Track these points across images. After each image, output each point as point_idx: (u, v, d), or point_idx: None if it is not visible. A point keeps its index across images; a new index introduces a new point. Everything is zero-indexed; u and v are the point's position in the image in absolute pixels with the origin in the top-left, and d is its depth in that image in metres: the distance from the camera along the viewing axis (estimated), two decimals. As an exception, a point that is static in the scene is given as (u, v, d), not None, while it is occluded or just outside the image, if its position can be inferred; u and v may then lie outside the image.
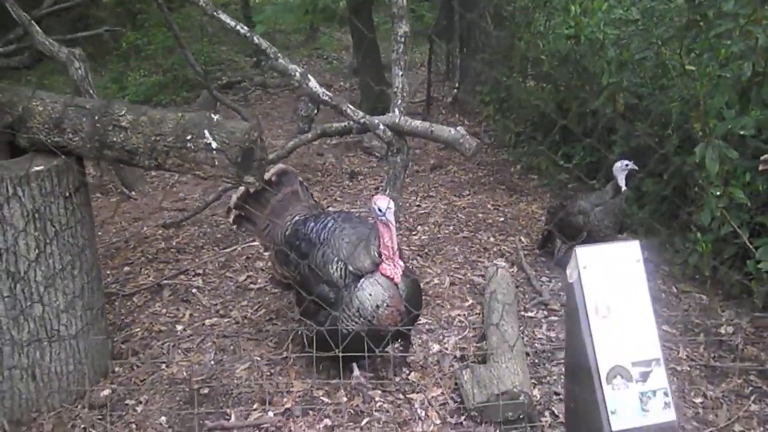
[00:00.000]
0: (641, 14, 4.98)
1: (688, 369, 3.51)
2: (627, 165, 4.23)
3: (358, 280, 3.13)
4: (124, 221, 5.91)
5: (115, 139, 2.99)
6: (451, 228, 5.53)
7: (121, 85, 10.62)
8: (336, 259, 3.21)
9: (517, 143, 7.09)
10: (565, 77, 6.03)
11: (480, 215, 5.79)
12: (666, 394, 1.52)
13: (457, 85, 9.68)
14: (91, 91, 5.59)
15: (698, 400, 3.26)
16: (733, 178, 3.88)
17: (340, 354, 2.77)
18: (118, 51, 11.61)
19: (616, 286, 1.53)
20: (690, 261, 4.23)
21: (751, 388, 3.34)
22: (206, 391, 3.44)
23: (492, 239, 5.28)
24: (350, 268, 3.17)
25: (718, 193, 3.84)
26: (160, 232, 5.59)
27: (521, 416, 3.04)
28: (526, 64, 6.87)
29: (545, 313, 4.14)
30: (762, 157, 3.48)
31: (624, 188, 4.28)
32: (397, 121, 4.37)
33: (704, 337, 3.78)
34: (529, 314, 4.11)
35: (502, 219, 5.71)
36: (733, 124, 3.79)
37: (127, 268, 4.90)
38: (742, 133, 3.80)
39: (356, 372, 3.40)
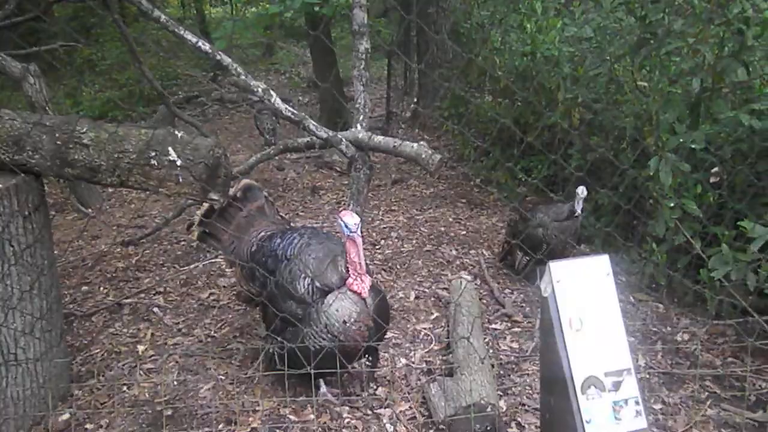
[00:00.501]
0: (594, 32, 5.14)
1: (647, 376, 3.60)
2: (582, 192, 4.37)
3: (325, 296, 3.13)
4: (81, 239, 5.77)
5: (77, 156, 2.93)
6: (414, 242, 5.58)
7: (75, 101, 10.41)
8: (303, 275, 3.20)
9: (476, 157, 7.20)
10: (522, 93, 6.17)
11: (442, 229, 5.85)
12: (637, 402, 1.59)
13: (415, 99, 9.79)
14: (47, 108, 5.46)
15: (657, 406, 3.35)
16: (685, 190, 4.02)
17: (312, 371, 2.76)
18: (71, 66, 11.38)
19: (587, 299, 1.60)
20: (646, 271, 4.36)
21: (707, 394, 3.44)
22: (170, 412, 3.36)
23: (454, 252, 5.35)
24: (317, 284, 3.17)
25: (671, 204, 3.97)
26: (119, 250, 5.48)
27: (489, 428, 3.06)
28: (484, 79, 7.00)
29: (509, 324, 4.19)
30: (713, 170, 3.63)
31: (578, 213, 4.40)
32: (360, 136, 4.39)
33: (661, 344, 3.89)
34: (493, 326, 4.17)
35: (463, 232, 5.78)
36: (684, 138, 3.93)
37: (85, 288, 4.79)
38: (692, 146, 3.95)
39: (323, 389, 3.39)
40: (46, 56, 9.22)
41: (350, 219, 3.05)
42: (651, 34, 4.12)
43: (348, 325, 3.08)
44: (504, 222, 5.89)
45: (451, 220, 6.09)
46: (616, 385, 1.56)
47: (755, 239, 3.42)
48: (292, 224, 4.31)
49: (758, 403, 3.32)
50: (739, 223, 3.58)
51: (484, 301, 4.47)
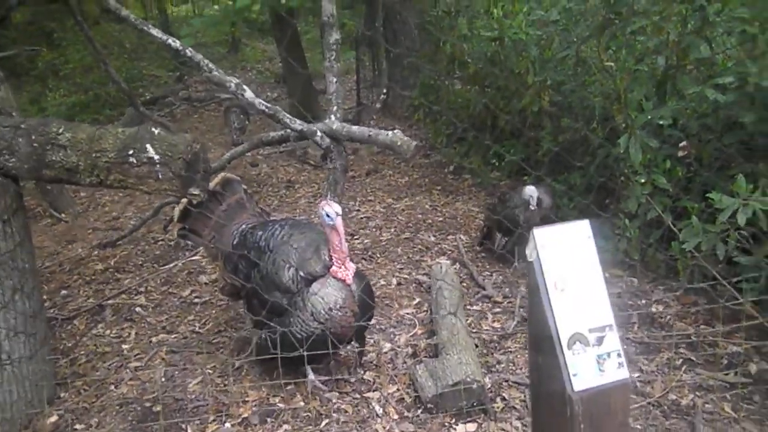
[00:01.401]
0: (560, 14, 5.22)
1: (625, 347, 3.68)
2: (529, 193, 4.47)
3: (310, 285, 3.17)
4: (57, 244, 5.72)
5: (54, 157, 2.92)
6: (392, 230, 5.63)
7: (39, 106, 10.25)
8: (287, 265, 3.23)
9: (449, 144, 7.27)
10: (491, 78, 6.24)
11: (419, 216, 5.92)
12: (619, 355, 1.69)
13: (385, 90, 9.82)
14: (14, 114, 5.37)
15: (635, 374, 3.45)
16: (655, 166, 4.12)
17: (305, 353, 2.80)
18: (34, 71, 11.19)
19: (570, 261, 1.69)
20: (619, 247, 4.46)
21: (681, 360, 3.55)
22: (159, 408, 3.38)
23: (433, 239, 5.41)
24: (302, 273, 3.20)
25: (642, 180, 4.07)
26: (96, 252, 5.44)
27: (475, 403, 3.14)
28: (453, 67, 7.06)
29: (489, 305, 4.27)
30: (680, 145, 3.73)
31: (533, 208, 4.49)
32: (334, 127, 4.43)
33: (637, 316, 4.00)
34: (475, 307, 4.24)
35: (440, 219, 5.86)
36: (652, 115, 4.04)
37: (64, 292, 4.75)
38: (660, 122, 4.05)
39: (311, 376, 3.43)
40: (7, 62, 9.07)
41: (330, 208, 3.10)
42: (616, 14, 4.21)
43: (334, 312, 3.13)
44: (480, 207, 5.97)
45: (427, 207, 6.16)
46: (600, 340, 1.66)
47: (723, 210, 3.53)
48: (272, 216, 4.33)
49: (729, 366, 3.44)
50: (707, 195, 3.69)
51: (465, 284, 4.55)
